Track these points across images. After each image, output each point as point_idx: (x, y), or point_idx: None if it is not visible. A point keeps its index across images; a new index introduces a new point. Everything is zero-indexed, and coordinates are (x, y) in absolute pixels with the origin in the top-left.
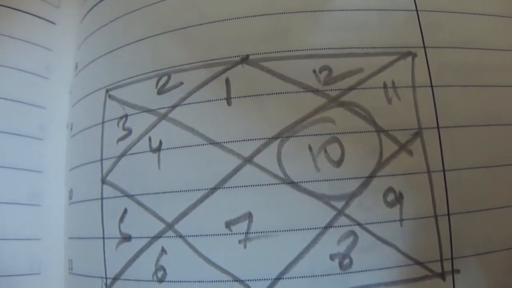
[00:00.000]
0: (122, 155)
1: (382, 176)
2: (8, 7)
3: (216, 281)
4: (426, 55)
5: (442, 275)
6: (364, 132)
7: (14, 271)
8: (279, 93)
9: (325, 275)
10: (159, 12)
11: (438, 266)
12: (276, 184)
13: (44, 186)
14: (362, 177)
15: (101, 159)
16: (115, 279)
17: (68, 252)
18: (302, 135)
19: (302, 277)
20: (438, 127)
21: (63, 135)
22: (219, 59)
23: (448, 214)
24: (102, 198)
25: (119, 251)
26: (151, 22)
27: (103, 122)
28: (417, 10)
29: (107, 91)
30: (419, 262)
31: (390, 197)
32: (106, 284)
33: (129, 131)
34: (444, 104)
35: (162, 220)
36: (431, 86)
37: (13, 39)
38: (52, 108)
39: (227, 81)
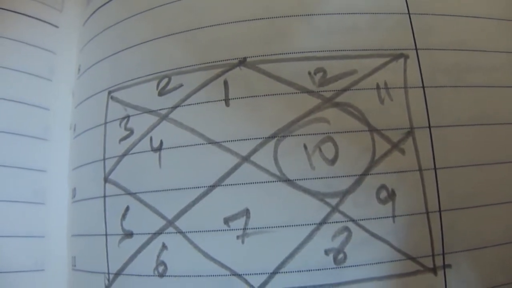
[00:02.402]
0: (124, 154)
1: (375, 174)
2: (12, 11)
3: (215, 275)
4: (418, 56)
5: (433, 270)
6: (358, 131)
7: (18, 268)
8: (275, 94)
9: (320, 269)
10: (160, 15)
11: (430, 261)
12: (273, 181)
13: (48, 185)
14: (356, 175)
15: (104, 159)
16: (117, 274)
17: (71, 249)
18: (298, 135)
19: (297, 271)
20: (429, 127)
21: (66, 135)
22: (217, 61)
23: (440, 211)
24: (104, 196)
25: (121, 247)
26: (152, 25)
27: (105, 123)
28: (409, 13)
29: (109, 92)
30: (411, 257)
31: (383, 194)
32: (108, 280)
33: (131, 131)
34: (435, 104)
35: (163, 217)
36: (423, 87)
37: (17, 42)
38: (55, 109)
39: (225, 83)
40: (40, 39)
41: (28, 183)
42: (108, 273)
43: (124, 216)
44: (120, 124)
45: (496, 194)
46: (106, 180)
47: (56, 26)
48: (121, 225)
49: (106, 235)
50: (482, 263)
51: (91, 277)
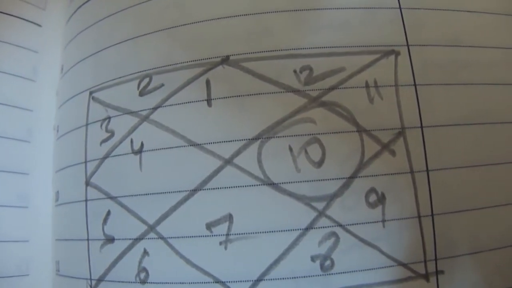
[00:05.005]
0: (105, 157)
1: (364, 176)
2: None
3: (198, 282)
4: (409, 53)
5: (425, 276)
6: (346, 132)
7: (2, 273)
8: (259, 94)
9: (306, 276)
10: (142, 13)
11: (422, 267)
12: (257, 185)
13: (32, 188)
14: (344, 178)
15: (85, 161)
16: (99, 280)
17: (55, 254)
18: (283, 136)
19: (283, 278)
20: (421, 127)
21: (50, 137)
22: (199, 60)
23: (432, 215)
24: (86, 200)
25: (103, 253)
26: (133, 23)
27: (87, 124)
28: (400, 8)
29: (90, 93)
30: (402, 263)
31: (372, 197)
32: (91, 286)
33: (112, 133)
34: (427, 103)
35: (143, 221)
36: (415, 85)
37: None
38: (39, 110)
39: (208, 82)
40: (22, 38)
41: (11, 187)
42: (91, 279)
43: (105, 221)
44: (101, 126)
45: (491, 196)
46: (87, 183)
47: (39, 25)
48: (103, 230)
49: (88, 240)
50: (477, 268)
51: (74, 283)
